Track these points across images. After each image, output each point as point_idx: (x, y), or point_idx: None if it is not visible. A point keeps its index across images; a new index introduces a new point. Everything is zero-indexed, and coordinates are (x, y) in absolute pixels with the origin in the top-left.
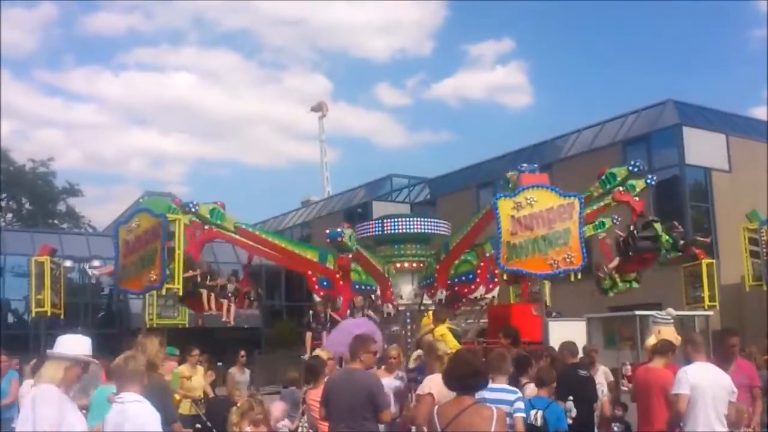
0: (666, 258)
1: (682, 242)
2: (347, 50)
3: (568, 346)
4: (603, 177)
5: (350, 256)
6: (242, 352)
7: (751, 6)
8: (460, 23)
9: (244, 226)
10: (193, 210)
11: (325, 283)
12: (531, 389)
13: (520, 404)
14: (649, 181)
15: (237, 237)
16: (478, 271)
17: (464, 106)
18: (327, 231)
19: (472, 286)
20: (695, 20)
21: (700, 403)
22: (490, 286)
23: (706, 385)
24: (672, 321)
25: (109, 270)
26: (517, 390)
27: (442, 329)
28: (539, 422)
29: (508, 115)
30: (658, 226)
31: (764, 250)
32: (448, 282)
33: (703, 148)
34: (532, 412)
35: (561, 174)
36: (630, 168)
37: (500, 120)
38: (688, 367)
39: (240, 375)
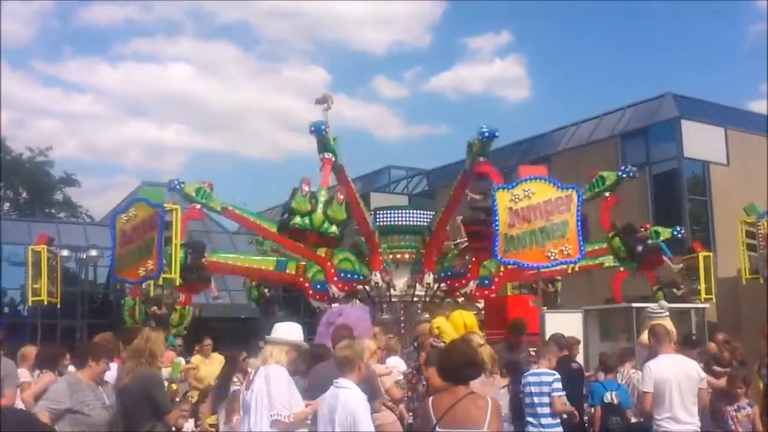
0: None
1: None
2: (345, 42)
3: (557, 339)
4: (593, 180)
5: (332, 158)
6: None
7: (750, 1)
8: (458, 16)
9: (231, 207)
10: (177, 188)
11: (318, 287)
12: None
13: (558, 384)
14: (621, 174)
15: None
16: (470, 266)
17: (462, 98)
18: (311, 122)
19: (463, 281)
20: (694, 13)
21: (666, 396)
22: (486, 292)
23: (671, 377)
24: (667, 314)
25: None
26: (556, 372)
27: (440, 321)
28: (615, 401)
29: (506, 108)
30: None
31: (761, 243)
32: (441, 275)
33: (701, 141)
34: (608, 393)
35: (559, 166)
36: (620, 174)
37: (498, 113)
38: (651, 362)
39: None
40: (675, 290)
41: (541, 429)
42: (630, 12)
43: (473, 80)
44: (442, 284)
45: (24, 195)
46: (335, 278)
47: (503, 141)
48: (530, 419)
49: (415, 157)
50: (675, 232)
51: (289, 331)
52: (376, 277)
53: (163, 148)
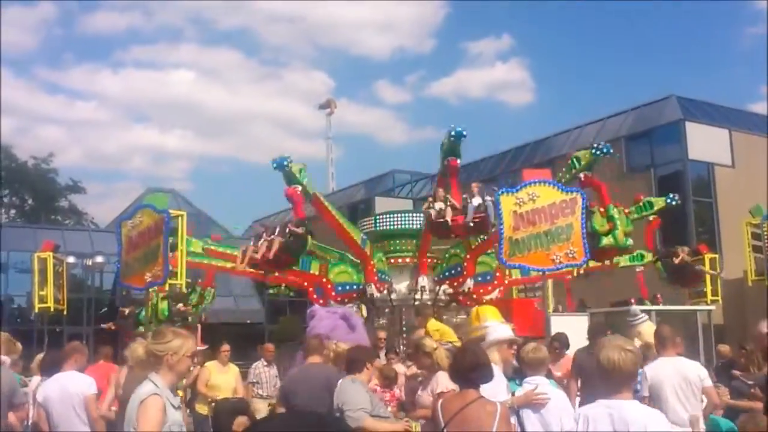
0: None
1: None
2: (347, 47)
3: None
4: (570, 161)
5: (299, 190)
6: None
7: (751, 3)
8: (459, 21)
9: (213, 247)
10: (284, 163)
11: (339, 288)
12: None
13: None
14: (669, 200)
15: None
16: (465, 264)
17: (465, 103)
18: (274, 158)
19: (460, 279)
20: (696, 16)
21: (663, 398)
22: (489, 288)
23: (665, 380)
24: (645, 317)
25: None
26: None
27: (436, 324)
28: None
29: (509, 112)
30: None
31: (767, 245)
32: (440, 276)
33: (705, 143)
34: None
35: (563, 170)
36: (594, 151)
37: (502, 117)
38: (647, 366)
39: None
40: (673, 259)
41: None
42: (633, 15)
43: (475, 84)
44: (444, 286)
45: (30, 202)
46: (333, 293)
47: (507, 145)
48: None
49: (419, 161)
50: (669, 200)
51: (502, 329)
52: (371, 288)
53: (167, 154)
